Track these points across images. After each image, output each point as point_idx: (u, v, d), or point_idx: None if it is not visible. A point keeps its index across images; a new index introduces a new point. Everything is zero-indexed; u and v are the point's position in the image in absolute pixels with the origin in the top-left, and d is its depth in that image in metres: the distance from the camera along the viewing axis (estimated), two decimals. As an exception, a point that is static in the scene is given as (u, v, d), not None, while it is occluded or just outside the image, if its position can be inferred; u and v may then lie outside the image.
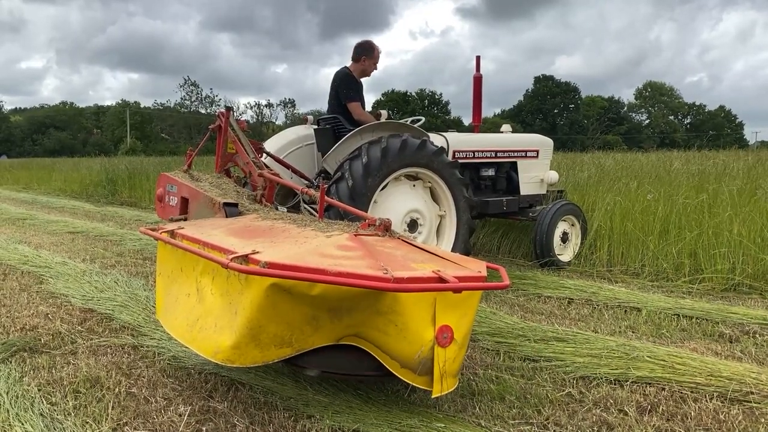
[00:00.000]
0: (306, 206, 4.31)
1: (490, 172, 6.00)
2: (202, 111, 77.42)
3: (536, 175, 6.26)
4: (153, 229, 3.26)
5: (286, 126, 76.45)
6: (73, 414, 2.66)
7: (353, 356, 2.51)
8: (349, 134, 4.70)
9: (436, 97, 71.69)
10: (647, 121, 72.92)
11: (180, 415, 2.65)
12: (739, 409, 2.66)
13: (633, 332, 3.82)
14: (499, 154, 5.96)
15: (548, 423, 2.59)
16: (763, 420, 2.56)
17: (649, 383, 2.96)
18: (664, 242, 5.36)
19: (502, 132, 6.42)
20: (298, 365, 2.62)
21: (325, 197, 3.60)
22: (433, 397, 2.44)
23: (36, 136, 67.38)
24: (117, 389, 2.92)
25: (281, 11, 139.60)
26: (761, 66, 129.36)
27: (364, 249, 2.52)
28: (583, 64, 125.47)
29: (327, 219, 3.55)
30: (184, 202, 4.19)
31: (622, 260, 5.60)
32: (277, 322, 2.37)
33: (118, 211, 11.53)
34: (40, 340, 3.66)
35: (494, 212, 5.83)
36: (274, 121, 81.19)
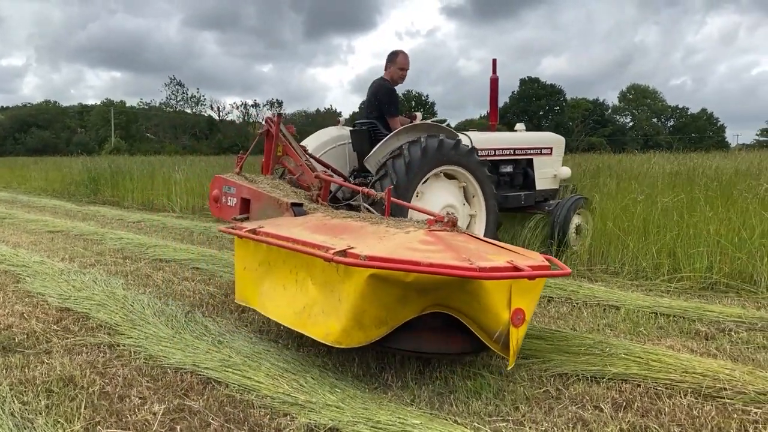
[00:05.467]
0: (365, 205, 4.61)
1: (509, 169, 6.31)
2: (188, 111, 76.94)
3: (550, 170, 6.62)
4: (232, 228, 3.66)
5: (273, 126, 76.42)
6: (44, 413, 2.62)
7: (440, 337, 2.96)
8: (389, 136, 5.03)
9: (423, 98, 71.82)
10: (631, 124, 73.62)
11: (154, 414, 2.63)
12: (712, 405, 2.69)
13: (611, 330, 3.84)
14: (516, 152, 6.31)
15: (524, 420, 2.60)
16: (735, 416, 2.59)
17: (625, 380, 2.98)
18: (644, 241, 5.41)
19: (516, 131, 6.78)
20: (392, 347, 2.95)
21: (391, 198, 4.05)
22: (509, 368, 2.87)
23: (18, 135, 66.39)
24: (91, 388, 2.89)
25: (265, 9, 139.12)
26: (744, 69, 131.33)
27: (442, 243, 2.91)
28: (570, 65, 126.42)
29: (377, 215, 3.93)
30: (245, 203, 4.52)
31: (602, 259, 5.64)
32: (376, 305, 2.76)
33: (100, 210, 11.41)
34: (14, 339, 3.60)
35: (513, 207, 6.17)
36: (260, 121, 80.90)
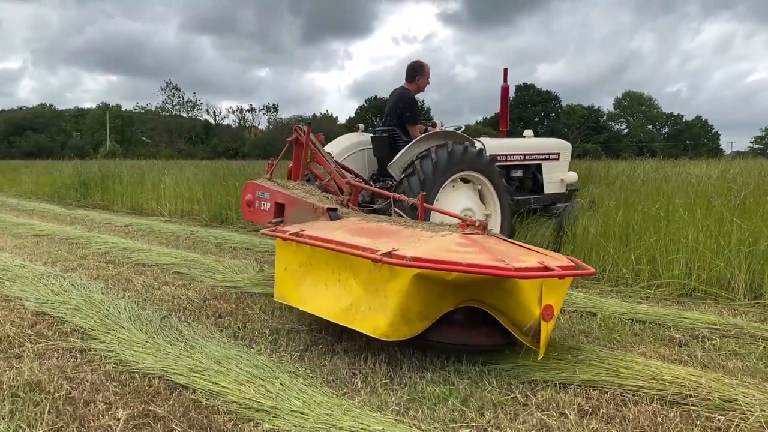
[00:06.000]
0: (396, 209, 4.79)
1: (519, 173, 6.61)
2: (184, 115, 76.93)
3: (558, 175, 6.90)
4: (274, 230, 4.01)
5: (269, 131, 76.21)
6: (7, 418, 2.61)
7: (475, 332, 3.27)
8: (413, 142, 5.33)
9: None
10: (626, 131, 73.90)
11: (117, 419, 2.61)
12: (677, 412, 2.69)
13: (585, 336, 3.84)
14: (527, 157, 6.61)
15: (489, 426, 2.60)
16: (698, 423, 2.59)
17: (594, 387, 2.98)
18: (624, 248, 5.42)
19: (524, 137, 7.08)
20: (432, 341, 3.23)
21: (424, 203, 4.33)
22: (539, 358, 3.10)
23: (13, 138, 66.22)
24: (57, 393, 2.87)
25: (263, 14, 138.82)
26: (739, 77, 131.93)
27: (477, 245, 3.15)
28: (565, 72, 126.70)
29: (408, 220, 4.20)
30: (279, 207, 4.80)
31: (583, 266, 5.64)
32: (419, 302, 3.04)
33: (89, 215, 11.38)
34: (-14, 343, 3.58)
35: (523, 209, 6.42)
36: (257, 125, 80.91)
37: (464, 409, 2.75)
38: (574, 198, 6.94)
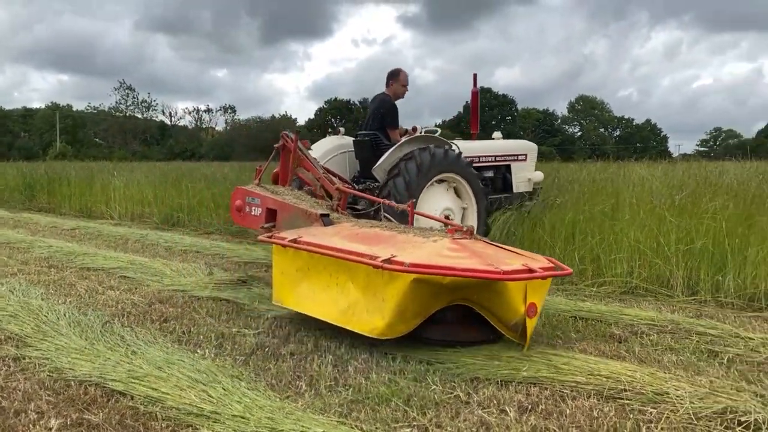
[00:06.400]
0: (386, 215, 5.11)
1: (490, 174, 6.95)
2: (139, 116, 75.08)
3: (526, 174, 7.23)
4: (270, 236, 4.18)
5: (226, 132, 75.02)
6: (-70, 431, 2.49)
7: (466, 328, 3.59)
8: (396, 145, 5.59)
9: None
10: (580, 134, 75.76)
11: (49, 429, 2.53)
12: (612, 406, 2.77)
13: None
14: (497, 158, 6.98)
15: (430, 425, 2.62)
16: (632, 416, 2.67)
17: (534, 383, 3.05)
18: (570, 247, 5.55)
19: (493, 139, 7.48)
20: (427, 337, 3.54)
21: (414, 210, 4.55)
22: (525, 351, 3.40)
23: (-45, 140, 63.34)
24: (-14, 403, 2.76)
25: (220, 14, 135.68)
26: (685, 82, 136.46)
27: (467, 250, 3.41)
28: (522, 76, 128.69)
29: (398, 224, 4.35)
30: (271, 213, 4.93)
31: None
32: (416, 302, 3.32)
33: (33, 218, 11.00)
34: None
35: (494, 208, 6.61)
36: (214, 126, 79.62)
37: (407, 408, 2.76)
38: (539, 196, 7.24)
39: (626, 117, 79.02)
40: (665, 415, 2.64)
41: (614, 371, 3.08)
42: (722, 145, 70.20)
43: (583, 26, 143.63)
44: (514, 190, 7.05)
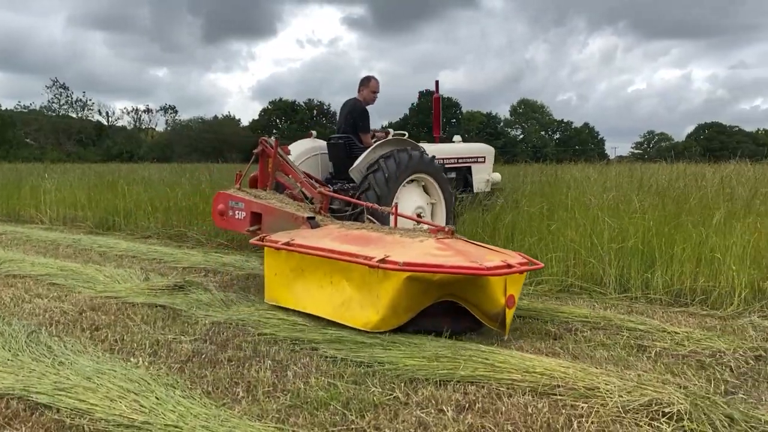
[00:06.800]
0: (369, 217, 5.30)
1: (452, 175, 7.41)
2: (73, 115, 72.01)
3: (484, 176, 7.85)
4: (261, 239, 4.49)
5: (167, 133, 72.88)
6: None
7: (451, 320, 3.82)
8: (371, 148, 5.93)
9: (324, 107, 71.80)
10: (521, 136, 77.64)
11: (-36, 447, 2.39)
12: (545, 402, 2.84)
13: (468, 333, 3.96)
14: (460, 160, 7.55)
15: (368, 427, 2.62)
16: (564, 411, 2.75)
17: (472, 382, 3.09)
18: (509, 247, 5.66)
19: (454, 142, 8.01)
20: (417, 328, 3.77)
21: (398, 213, 4.99)
22: (506, 337, 3.75)
23: None
24: None
25: (160, 11, 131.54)
26: (621, 87, 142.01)
27: (452, 249, 3.77)
28: (465, 79, 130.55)
29: (380, 226, 4.74)
30: (255, 216, 5.12)
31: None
32: (408, 298, 3.65)
33: (-45, 223, 10.36)
34: None
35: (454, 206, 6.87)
36: (154, 127, 77.27)
37: (345, 412, 2.75)
38: (497, 196, 7.63)
39: (565, 120, 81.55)
40: (595, 409, 2.72)
41: (549, 368, 3.16)
42: (655, 148, 73.54)
43: (525, 31, 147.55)
44: (474, 190, 7.58)
